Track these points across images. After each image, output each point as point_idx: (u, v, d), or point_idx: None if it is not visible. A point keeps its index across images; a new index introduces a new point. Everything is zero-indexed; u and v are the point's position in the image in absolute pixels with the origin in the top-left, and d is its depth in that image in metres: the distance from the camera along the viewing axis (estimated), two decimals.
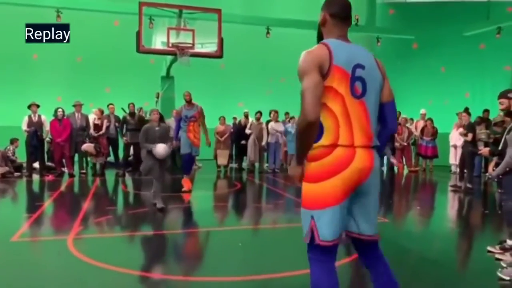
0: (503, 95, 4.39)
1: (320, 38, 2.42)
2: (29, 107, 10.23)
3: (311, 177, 2.23)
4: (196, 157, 8.77)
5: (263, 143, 11.99)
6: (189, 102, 8.35)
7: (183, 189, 8.31)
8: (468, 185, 8.79)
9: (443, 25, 14.93)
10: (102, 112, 10.87)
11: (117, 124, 11.13)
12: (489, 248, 4.57)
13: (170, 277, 3.97)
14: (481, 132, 10.85)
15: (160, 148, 6.36)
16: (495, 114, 11.73)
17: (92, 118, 10.83)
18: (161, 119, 10.91)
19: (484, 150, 4.55)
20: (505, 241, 4.50)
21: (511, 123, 4.05)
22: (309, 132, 2.14)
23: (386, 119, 2.40)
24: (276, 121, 12.17)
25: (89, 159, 11.00)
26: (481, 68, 14.92)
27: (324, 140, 2.20)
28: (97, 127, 10.68)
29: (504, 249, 4.42)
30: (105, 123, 10.69)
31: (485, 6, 13.90)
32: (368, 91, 2.26)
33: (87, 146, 10.49)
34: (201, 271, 4.19)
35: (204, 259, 4.57)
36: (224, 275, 3.95)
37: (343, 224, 2.24)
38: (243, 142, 12.11)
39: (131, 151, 11.03)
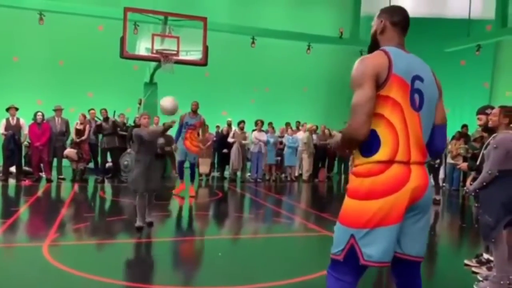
0: (481, 111, 4.47)
1: (374, 47, 2.26)
2: (8, 110, 10.02)
3: (359, 193, 2.04)
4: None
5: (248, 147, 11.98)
6: (194, 111, 8.81)
7: (173, 191, 9.16)
8: (436, 197, 9.18)
9: (425, 41, 15.21)
10: (85, 117, 10.72)
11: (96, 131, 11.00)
12: (466, 261, 4.63)
13: (148, 285, 3.90)
14: (460, 147, 11.05)
15: (167, 102, 6.09)
16: (473, 129, 12.01)
17: (75, 123, 10.69)
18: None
19: (462, 165, 4.63)
20: (481, 255, 4.56)
21: (488, 139, 4.13)
22: (352, 146, 2.09)
23: (434, 141, 2.24)
24: (260, 130, 12.18)
25: (69, 164, 10.81)
26: (461, 84, 15.25)
27: (381, 155, 2.02)
28: (79, 132, 10.52)
29: (481, 263, 4.48)
30: (87, 129, 10.54)
31: (466, 23, 14.24)
32: (425, 105, 2.11)
33: (69, 152, 10.33)
34: (179, 280, 4.13)
35: (183, 269, 4.51)
36: (203, 284, 3.90)
37: (394, 246, 2.05)
38: (225, 150, 12.08)
39: (108, 157, 10.98)
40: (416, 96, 2.08)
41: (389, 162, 2.02)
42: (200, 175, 12.07)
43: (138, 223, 5.70)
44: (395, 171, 2.01)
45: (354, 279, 2.12)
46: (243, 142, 11.88)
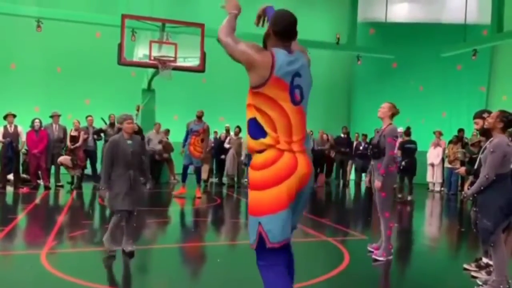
0: (478, 115, 4.50)
1: (264, 46, 2.53)
2: (5, 117, 10.00)
3: (257, 185, 2.34)
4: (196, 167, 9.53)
5: (242, 158, 11.99)
6: (199, 118, 9.24)
7: (173, 193, 9.59)
8: (407, 197, 9.94)
9: (422, 46, 15.31)
10: (79, 123, 10.69)
11: (95, 136, 10.97)
12: (465, 265, 4.63)
13: None
14: (458, 151, 11.09)
15: None
16: (470, 133, 12.05)
17: (69, 129, 10.67)
18: (139, 131, 10.90)
19: (460, 169, 4.65)
20: (480, 259, 4.56)
21: (486, 143, 4.14)
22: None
23: None
24: None
25: (65, 171, 10.78)
26: (457, 88, 15.31)
27: (268, 139, 2.33)
28: (74, 139, 10.50)
29: (480, 267, 4.48)
30: (82, 135, 10.49)
31: (462, 28, 14.32)
32: (305, 96, 2.44)
33: (64, 159, 10.31)
34: (178, 286, 4.11)
35: (182, 275, 4.50)
36: None
37: (289, 225, 2.38)
38: (222, 156, 12.08)
39: None
40: (297, 91, 2.38)
41: (276, 152, 2.32)
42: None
43: (111, 247, 4.72)
44: (284, 161, 2.31)
45: (278, 261, 2.37)
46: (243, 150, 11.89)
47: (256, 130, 2.37)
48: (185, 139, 9.44)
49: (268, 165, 2.32)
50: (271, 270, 2.35)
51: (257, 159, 2.37)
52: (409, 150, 10.22)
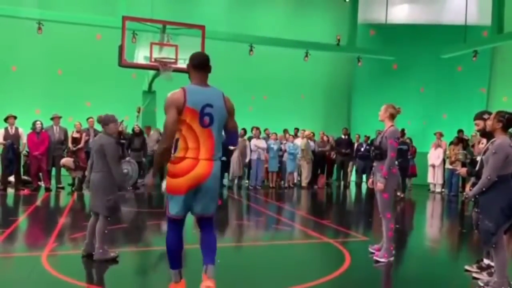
0: (478, 116, 4.49)
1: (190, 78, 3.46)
2: (6, 119, 10.01)
3: (169, 173, 3.30)
4: None
5: (247, 160, 12.00)
6: None
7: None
8: (400, 194, 10.31)
9: (422, 47, 15.31)
10: (81, 125, 10.70)
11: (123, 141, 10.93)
12: (466, 267, 4.62)
13: None
14: (459, 153, 11.09)
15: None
16: (470, 135, 12.04)
17: (71, 131, 10.67)
18: (140, 133, 10.84)
19: (461, 170, 4.64)
20: (482, 260, 4.55)
21: (487, 144, 4.14)
22: (163, 153, 3.24)
23: (228, 139, 3.64)
24: (258, 138, 12.19)
25: (66, 173, 10.78)
26: (458, 89, 15.31)
27: (177, 153, 3.27)
28: (76, 141, 10.50)
29: (481, 268, 4.47)
30: (84, 137, 10.49)
31: (462, 29, 14.33)
32: (215, 122, 3.30)
33: (66, 161, 10.31)
34: None
35: (183, 277, 4.48)
36: None
37: (187, 207, 3.35)
38: (223, 158, 12.04)
39: None
40: (206, 118, 3.26)
41: (182, 158, 3.25)
42: None
43: (108, 254, 4.64)
44: (185, 163, 3.25)
45: (175, 225, 3.49)
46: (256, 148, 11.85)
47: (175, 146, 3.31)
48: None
49: (175, 163, 3.29)
50: (168, 233, 3.55)
51: (172, 158, 3.31)
52: (401, 151, 10.35)
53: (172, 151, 3.29)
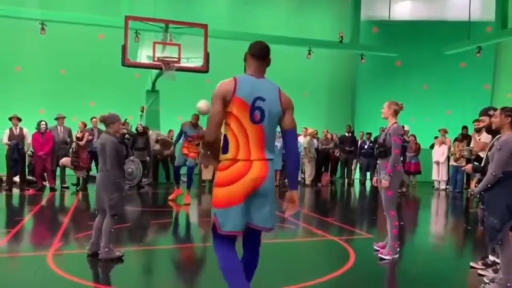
0: (483, 112, 4.47)
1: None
2: (11, 119, 10.05)
3: (217, 183, 2.85)
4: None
5: None
6: (194, 124, 8.64)
7: (169, 197, 9.06)
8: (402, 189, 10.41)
9: (425, 44, 15.26)
10: (85, 125, 10.73)
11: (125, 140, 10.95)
12: (472, 264, 4.61)
13: None
14: (464, 149, 11.05)
15: (203, 104, 5.94)
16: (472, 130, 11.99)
17: (76, 131, 10.71)
18: (144, 132, 10.85)
19: (467, 167, 4.61)
20: (487, 257, 4.54)
21: (492, 141, 4.12)
22: (209, 145, 2.88)
23: (287, 144, 3.00)
24: None
25: (71, 173, 10.82)
26: (462, 86, 15.25)
27: (228, 155, 2.83)
28: (79, 140, 10.53)
29: (487, 265, 4.46)
30: (86, 136, 10.50)
31: (466, 25, 14.26)
32: (267, 117, 2.85)
33: (65, 160, 10.37)
34: (185, 287, 4.11)
35: (187, 276, 4.50)
36: None
37: (243, 220, 2.81)
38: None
39: None
40: (257, 112, 2.83)
41: (234, 160, 2.80)
42: (203, 181, 12.08)
43: (113, 254, 4.65)
44: (238, 166, 2.80)
45: (228, 243, 2.89)
46: None
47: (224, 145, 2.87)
48: (177, 139, 9.05)
49: (224, 169, 2.84)
50: (218, 251, 2.94)
51: (220, 164, 2.88)
52: (402, 148, 10.37)
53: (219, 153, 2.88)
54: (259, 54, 2.98)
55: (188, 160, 8.78)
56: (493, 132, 4.17)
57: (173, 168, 12.25)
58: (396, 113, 4.99)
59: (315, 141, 12.84)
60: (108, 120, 4.74)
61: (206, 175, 12.01)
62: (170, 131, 12.57)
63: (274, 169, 2.93)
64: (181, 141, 8.86)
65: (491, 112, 4.29)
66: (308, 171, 12.62)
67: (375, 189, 12.16)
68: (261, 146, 2.85)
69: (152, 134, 11.90)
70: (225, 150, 2.84)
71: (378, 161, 5.11)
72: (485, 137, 4.97)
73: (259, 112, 2.83)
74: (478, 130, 5.33)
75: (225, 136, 2.85)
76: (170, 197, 9.08)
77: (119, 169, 4.65)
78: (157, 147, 11.64)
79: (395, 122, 4.94)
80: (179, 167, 9.00)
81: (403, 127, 10.72)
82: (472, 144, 6.19)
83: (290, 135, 3.00)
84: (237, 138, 2.81)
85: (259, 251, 3.09)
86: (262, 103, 2.84)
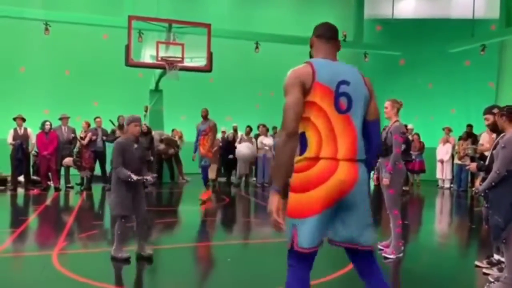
0: (488, 111, 4.46)
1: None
2: (15, 120, 10.10)
3: (295, 187, 2.29)
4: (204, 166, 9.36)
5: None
6: (204, 117, 9.06)
7: (201, 198, 8.93)
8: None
9: (429, 42, 15.20)
10: (88, 125, 10.77)
11: (104, 137, 11.02)
12: (476, 262, 4.60)
13: None
14: (468, 148, 11.01)
15: (244, 147, 5.51)
16: (479, 129, 11.94)
17: (80, 131, 10.75)
18: (148, 132, 10.89)
19: (471, 165, 4.60)
20: (492, 256, 4.52)
21: (496, 139, 4.11)
22: (288, 146, 2.24)
23: (370, 137, 2.44)
24: (266, 135, 12.18)
25: (76, 172, 10.86)
26: (466, 84, 15.18)
27: (308, 153, 2.28)
28: (82, 140, 10.57)
29: (491, 264, 4.44)
30: (89, 136, 10.53)
31: (470, 23, 14.19)
32: (354, 106, 2.32)
33: (67, 160, 10.41)
34: (189, 286, 4.12)
35: (192, 275, 4.51)
36: None
37: (323, 233, 2.29)
38: (231, 156, 12.07)
39: None
40: (343, 99, 2.30)
41: (316, 158, 2.26)
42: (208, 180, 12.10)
43: (122, 254, 4.62)
44: (321, 166, 2.25)
45: (304, 266, 2.35)
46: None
47: (301, 144, 2.33)
48: (196, 141, 9.36)
49: (303, 170, 2.28)
50: (293, 272, 2.36)
51: (297, 164, 2.34)
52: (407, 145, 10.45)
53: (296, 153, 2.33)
54: (329, 35, 2.52)
55: (202, 159, 9.16)
56: (497, 130, 4.16)
57: (175, 168, 12.33)
58: (398, 111, 5.00)
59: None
60: (124, 123, 4.78)
61: (210, 174, 11.98)
62: (173, 130, 12.59)
63: (367, 173, 2.38)
64: (198, 141, 9.12)
65: (495, 111, 4.27)
66: None
67: (378, 188, 12.14)
68: (351, 143, 2.29)
69: (155, 134, 11.92)
70: (303, 149, 2.30)
71: (379, 160, 5.10)
72: (482, 137, 4.97)
73: (346, 99, 2.30)
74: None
75: (302, 134, 2.30)
76: (202, 197, 9.00)
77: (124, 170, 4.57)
78: (161, 146, 11.67)
79: (397, 120, 4.93)
80: (206, 167, 9.27)
81: (405, 126, 10.74)
82: (481, 141, 6.17)
83: (374, 127, 2.46)
84: (319, 132, 2.26)
85: (381, 274, 2.44)
86: (347, 88, 2.32)
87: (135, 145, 4.65)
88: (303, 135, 2.30)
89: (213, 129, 9.17)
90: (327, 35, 2.51)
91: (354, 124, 2.31)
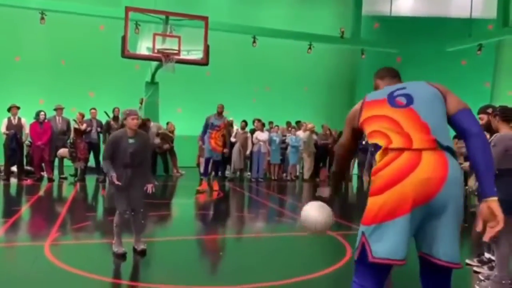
0: (482, 110, 4.47)
1: None
2: (9, 109, 10.03)
3: (371, 192, 2.03)
4: (216, 160, 9.65)
5: (248, 152, 12.01)
6: (220, 113, 9.22)
7: (197, 188, 9.30)
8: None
9: (426, 40, 15.22)
10: (83, 116, 10.71)
11: (99, 129, 10.98)
12: (467, 261, 4.63)
13: (148, 285, 3.91)
14: (462, 147, 11.05)
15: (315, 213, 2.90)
16: None
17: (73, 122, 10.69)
18: (143, 126, 10.85)
19: (464, 164, 4.62)
20: (483, 254, 4.56)
21: (490, 138, 4.13)
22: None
23: (463, 126, 2.11)
24: (262, 130, 12.18)
25: (69, 164, 10.82)
26: (462, 83, 15.19)
27: (379, 154, 2.05)
28: (76, 131, 10.51)
29: (482, 262, 4.48)
30: (83, 127, 10.47)
31: (467, 23, 14.23)
32: (417, 100, 2.12)
33: (62, 151, 10.36)
34: (181, 279, 4.13)
35: (184, 268, 4.51)
36: (204, 284, 3.91)
37: (405, 242, 1.94)
38: (225, 150, 12.03)
39: None
40: (399, 98, 2.16)
41: (390, 151, 2.00)
42: (201, 174, 12.09)
43: (118, 249, 4.57)
44: (401, 161, 1.94)
45: (372, 284, 2.04)
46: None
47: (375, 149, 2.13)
48: (203, 133, 9.44)
49: (379, 169, 2.02)
50: None
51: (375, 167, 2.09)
52: None
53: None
54: (390, 74, 2.50)
55: (214, 154, 9.26)
56: (491, 130, 4.18)
57: (169, 162, 12.30)
58: None
59: (314, 136, 12.84)
60: (123, 115, 4.79)
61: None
62: (168, 123, 12.56)
63: (459, 166, 2.04)
64: (208, 134, 9.22)
65: (489, 110, 4.29)
66: (306, 166, 12.63)
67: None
68: (422, 127, 2.00)
69: (153, 126, 11.90)
70: (377, 150, 2.09)
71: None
72: None
73: (403, 98, 2.15)
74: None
75: (374, 145, 2.12)
76: (199, 188, 9.34)
77: (111, 163, 4.48)
78: (157, 140, 11.66)
79: None
80: (209, 160, 9.44)
81: None
82: None
83: (464, 115, 2.12)
84: (384, 132, 2.06)
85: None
86: (403, 91, 2.19)
87: (131, 140, 4.50)
88: (375, 145, 2.11)
89: (229, 126, 9.41)
90: (389, 74, 2.51)
91: (420, 114, 2.04)
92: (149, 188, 4.69)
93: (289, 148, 12.54)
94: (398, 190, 1.90)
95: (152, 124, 11.93)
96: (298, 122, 13.57)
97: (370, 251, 1.95)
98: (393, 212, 1.90)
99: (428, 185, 1.89)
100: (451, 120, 2.14)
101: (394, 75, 2.48)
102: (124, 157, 4.47)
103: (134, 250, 4.67)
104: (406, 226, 1.91)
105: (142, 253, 4.63)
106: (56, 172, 10.53)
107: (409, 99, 2.13)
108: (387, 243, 1.91)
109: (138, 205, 4.65)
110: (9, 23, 13.04)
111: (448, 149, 1.99)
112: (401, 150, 1.97)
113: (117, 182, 4.38)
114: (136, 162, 4.53)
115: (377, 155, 2.06)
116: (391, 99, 2.16)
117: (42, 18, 12.00)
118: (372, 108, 2.20)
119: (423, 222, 1.96)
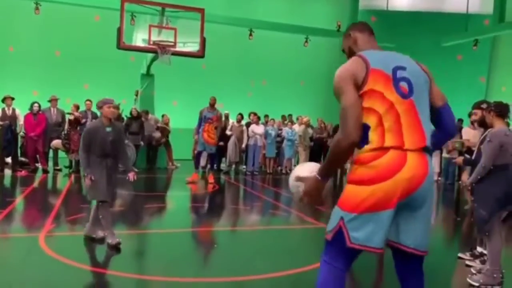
0: (476, 106, 4.50)
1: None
2: (3, 100, 9.96)
3: (354, 179, 2.07)
4: (211, 152, 9.81)
5: (243, 145, 12.01)
6: (212, 106, 9.34)
7: (187, 179, 9.57)
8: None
9: (423, 35, 15.23)
10: (77, 107, 10.65)
11: (93, 120, 10.94)
12: (460, 254, 4.67)
13: (143, 276, 3.92)
14: (456, 142, 11.10)
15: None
16: (469, 124, 12.06)
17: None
18: (138, 117, 10.78)
19: (458, 159, 4.65)
20: (475, 248, 4.60)
21: (484, 134, 4.15)
22: (346, 151, 2.05)
23: (442, 123, 2.28)
24: (257, 123, 12.18)
25: (64, 155, 10.78)
26: (457, 78, 15.28)
27: (371, 144, 2.04)
28: (71, 123, 10.46)
29: (474, 256, 4.52)
30: (76, 114, 10.39)
31: (464, 18, 14.24)
32: (416, 90, 2.11)
33: (56, 143, 10.32)
34: (175, 271, 4.14)
35: (178, 260, 4.52)
36: (199, 276, 3.92)
37: (385, 233, 2.04)
38: (221, 143, 12.04)
39: None
40: (403, 84, 2.09)
41: (381, 149, 2.02)
42: (203, 167, 12.10)
43: (112, 239, 4.51)
44: (388, 158, 2.01)
45: (343, 265, 2.12)
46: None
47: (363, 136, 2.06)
48: (198, 126, 9.53)
49: (369, 161, 2.04)
50: (328, 268, 2.14)
51: (361, 155, 2.09)
52: None
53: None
54: (367, 28, 2.39)
55: (208, 147, 9.42)
56: (485, 125, 4.21)
57: (165, 154, 12.29)
58: None
59: (310, 129, 12.85)
60: (98, 104, 4.66)
61: (202, 161, 11.99)
62: (163, 115, 12.52)
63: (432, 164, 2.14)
64: (202, 127, 9.36)
65: (483, 106, 4.31)
66: (302, 159, 12.65)
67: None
68: (417, 129, 2.07)
69: (150, 119, 11.89)
70: (364, 140, 2.06)
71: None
72: (466, 132, 5.02)
73: (406, 84, 2.10)
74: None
75: (364, 124, 2.06)
76: (188, 179, 9.62)
77: (86, 154, 4.48)
78: (158, 134, 11.69)
79: None
80: (200, 153, 9.70)
81: None
82: (464, 137, 6.25)
83: (447, 111, 2.30)
84: (381, 119, 2.03)
85: (423, 279, 2.26)
86: (404, 73, 2.12)
87: (108, 129, 4.48)
88: (365, 125, 2.05)
89: (221, 118, 9.55)
90: (367, 27, 2.39)
91: (417, 110, 2.09)
92: (131, 176, 4.72)
93: (284, 141, 12.56)
94: (389, 185, 1.98)
95: (150, 116, 11.91)
96: (289, 116, 13.57)
97: (348, 236, 2.03)
98: (378, 206, 1.99)
99: (412, 181, 2.01)
100: (434, 111, 2.23)
101: (372, 31, 2.38)
102: (104, 147, 4.46)
103: (107, 245, 4.55)
104: (389, 220, 2.02)
105: (116, 247, 4.48)
106: (50, 163, 10.49)
107: (410, 86, 2.11)
108: (366, 232, 2.01)
109: (113, 197, 4.74)
110: (3, 13, 12.92)
111: (429, 150, 2.13)
112: (395, 148, 2.03)
113: (89, 182, 4.44)
114: (115, 151, 4.56)
115: (367, 146, 2.05)
116: (396, 82, 2.08)
117: (37, 8, 11.90)
118: (377, 81, 2.05)
119: (396, 213, 2.05)
